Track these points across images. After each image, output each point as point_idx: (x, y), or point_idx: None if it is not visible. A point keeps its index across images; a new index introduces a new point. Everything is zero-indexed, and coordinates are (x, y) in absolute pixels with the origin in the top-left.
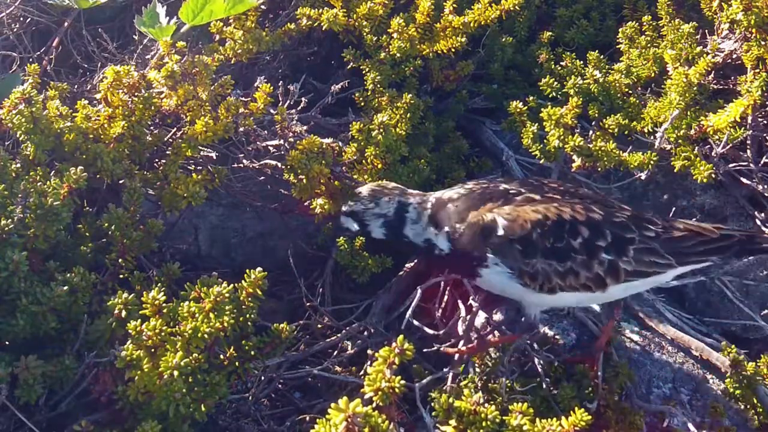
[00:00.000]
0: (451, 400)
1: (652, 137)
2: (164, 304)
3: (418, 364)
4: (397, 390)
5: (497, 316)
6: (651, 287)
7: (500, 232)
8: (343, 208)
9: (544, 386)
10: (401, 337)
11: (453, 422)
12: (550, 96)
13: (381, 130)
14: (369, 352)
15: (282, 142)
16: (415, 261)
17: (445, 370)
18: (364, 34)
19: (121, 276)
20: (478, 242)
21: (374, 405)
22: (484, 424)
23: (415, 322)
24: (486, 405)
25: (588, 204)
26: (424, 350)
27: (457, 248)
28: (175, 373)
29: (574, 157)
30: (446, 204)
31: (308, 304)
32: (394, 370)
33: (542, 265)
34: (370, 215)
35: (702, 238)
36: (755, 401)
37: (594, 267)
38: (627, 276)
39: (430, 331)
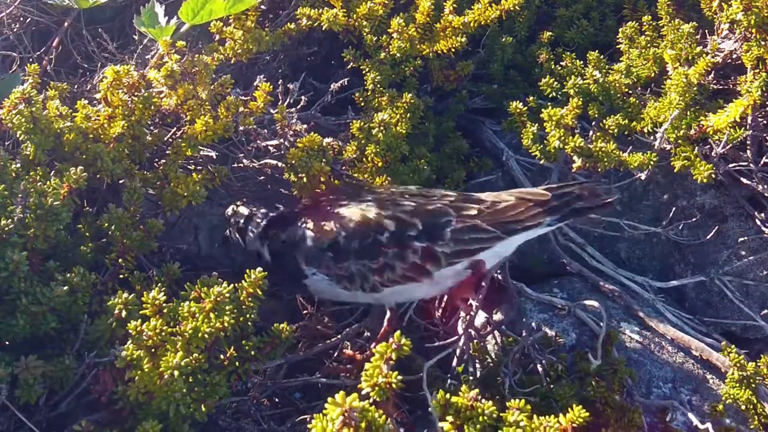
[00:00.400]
0: (448, 395)
1: (652, 137)
2: (164, 304)
3: (419, 362)
4: (394, 385)
5: (497, 316)
6: (492, 264)
7: (309, 243)
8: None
9: (544, 384)
10: (398, 332)
11: (450, 418)
12: (550, 96)
13: (381, 129)
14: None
15: (282, 141)
16: None
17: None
18: (364, 34)
19: (121, 276)
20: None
21: (371, 400)
22: (481, 419)
23: (416, 318)
24: (483, 401)
25: (400, 200)
26: (426, 345)
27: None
28: (176, 373)
29: (575, 157)
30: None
31: (305, 312)
32: (392, 366)
33: (355, 267)
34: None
35: (530, 203)
36: (755, 401)
37: (408, 257)
38: (450, 259)
39: (431, 328)
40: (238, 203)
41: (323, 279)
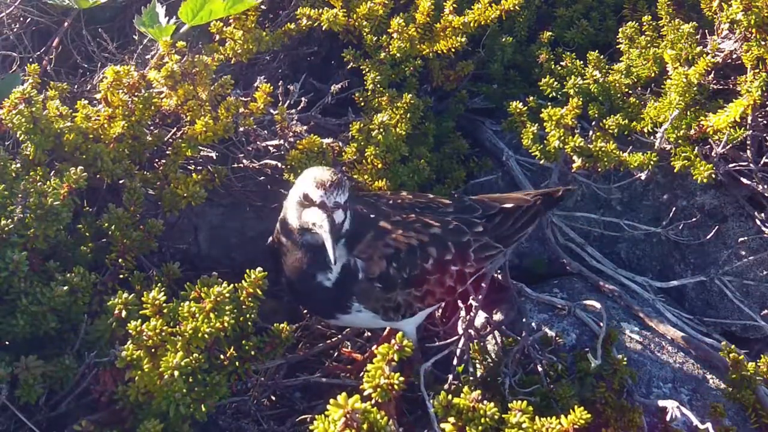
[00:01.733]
0: (450, 396)
1: (652, 137)
2: (164, 304)
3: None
4: (396, 387)
5: (497, 316)
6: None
7: (360, 275)
8: None
9: (544, 385)
10: (400, 333)
11: (452, 419)
12: (550, 96)
13: (381, 130)
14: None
15: (282, 142)
16: None
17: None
18: (364, 34)
19: (121, 276)
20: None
21: (373, 401)
22: (483, 421)
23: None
24: (485, 402)
25: (421, 217)
26: (426, 345)
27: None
28: (176, 373)
29: (575, 157)
30: None
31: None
32: (393, 367)
33: (402, 297)
34: None
35: (516, 215)
36: (755, 401)
37: (446, 282)
38: (470, 277)
39: (431, 328)
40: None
41: (368, 313)
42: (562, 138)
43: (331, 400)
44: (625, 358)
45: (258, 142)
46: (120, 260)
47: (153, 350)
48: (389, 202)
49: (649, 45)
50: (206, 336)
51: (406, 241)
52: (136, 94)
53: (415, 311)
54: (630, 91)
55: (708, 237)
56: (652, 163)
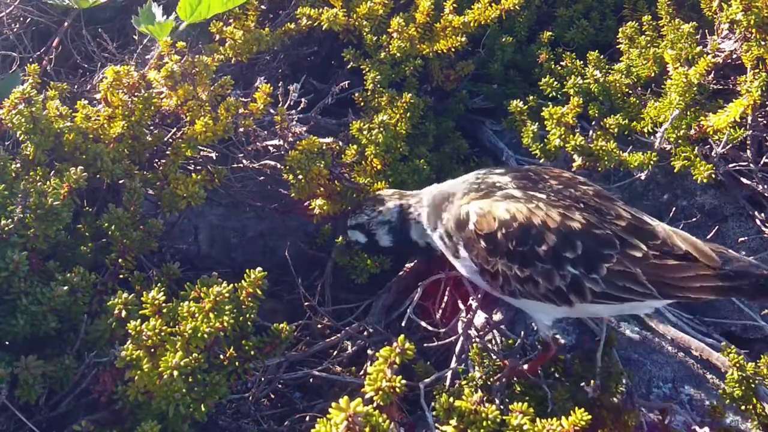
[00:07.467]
0: (451, 399)
1: (652, 137)
2: (164, 304)
3: (419, 363)
4: (398, 390)
5: (497, 316)
6: (629, 313)
7: (470, 226)
8: (348, 222)
9: (543, 386)
10: (402, 336)
11: (453, 422)
12: (550, 96)
13: (381, 130)
14: (369, 352)
15: (282, 142)
16: (415, 261)
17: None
18: (364, 33)
19: (121, 276)
20: (455, 233)
21: (375, 404)
22: (484, 423)
23: (415, 318)
24: (486, 405)
25: (574, 208)
26: (425, 345)
27: (447, 246)
28: (175, 373)
29: (575, 156)
30: (440, 199)
31: (306, 304)
32: (395, 370)
33: (502, 267)
34: (375, 224)
35: (699, 272)
36: (755, 401)
37: (555, 279)
38: (594, 297)
39: (431, 329)
40: (364, 209)
41: (471, 266)
42: (563, 136)
43: (333, 404)
44: (623, 359)
45: (258, 143)
46: (120, 260)
47: (152, 350)
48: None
49: (649, 45)
50: (206, 336)
51: (528, 215)
52: (136, 94)
53: (513, 290)
54: (630, 91)
55: (708, 237)
56: (652, 162)
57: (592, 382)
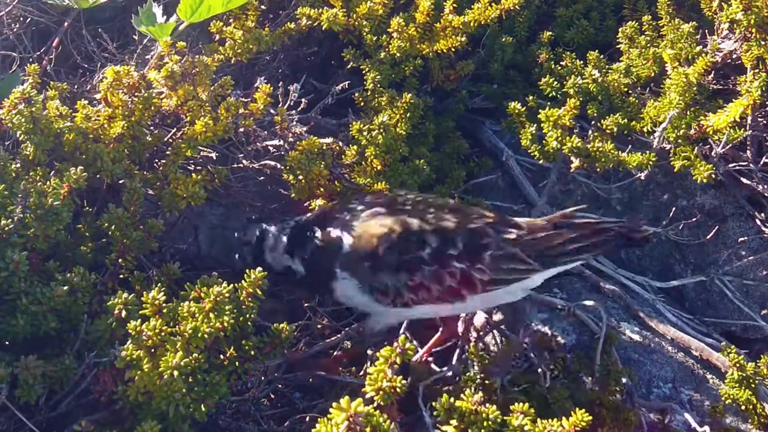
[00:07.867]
0: (452, 399)
1: (651, 137)
2: (164, 304)
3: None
4: (398, 390)
5: (497, 316)
6: (520, 295)
7: (346, 249)
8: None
9: (543, 385)
10: (402, 336)
11: (454, 422)
12: (550, 96)
13: (381, 131)
14: (369, 352)
15: (282, 142)
16: None
17: (444, 368)
18: (364, 34)
19: (121, 276)
20: (328, 260)
21: (375, 404)
22: (485, 424)
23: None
24: (487, 405)
25: (442, 212)
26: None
27: (312, 269)
28: (175, 373)
29: (572, 157)
30: (304, 225)
31: (306, 304)
32: (396, 370)
33: (391, 280)
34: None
35: (572, 235)
36: (755, 401)
37: (446, 279)
38: (485, 285)
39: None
40: (247, 227)
41: (355, 286)
42: (560, 138)
43: (334, 404)
44: (623, 359)
45: (258, 143)
46: (120, 260)
47: (153, 350)
48: (417, 199)
49: (648, 45)
50: (206, 336)
51: (404, 223)
52: (136, 94)
53: (407, 302)
54: (629, 91)
55: (708, 237)
56: (651, 163)
57: (590, 379)
